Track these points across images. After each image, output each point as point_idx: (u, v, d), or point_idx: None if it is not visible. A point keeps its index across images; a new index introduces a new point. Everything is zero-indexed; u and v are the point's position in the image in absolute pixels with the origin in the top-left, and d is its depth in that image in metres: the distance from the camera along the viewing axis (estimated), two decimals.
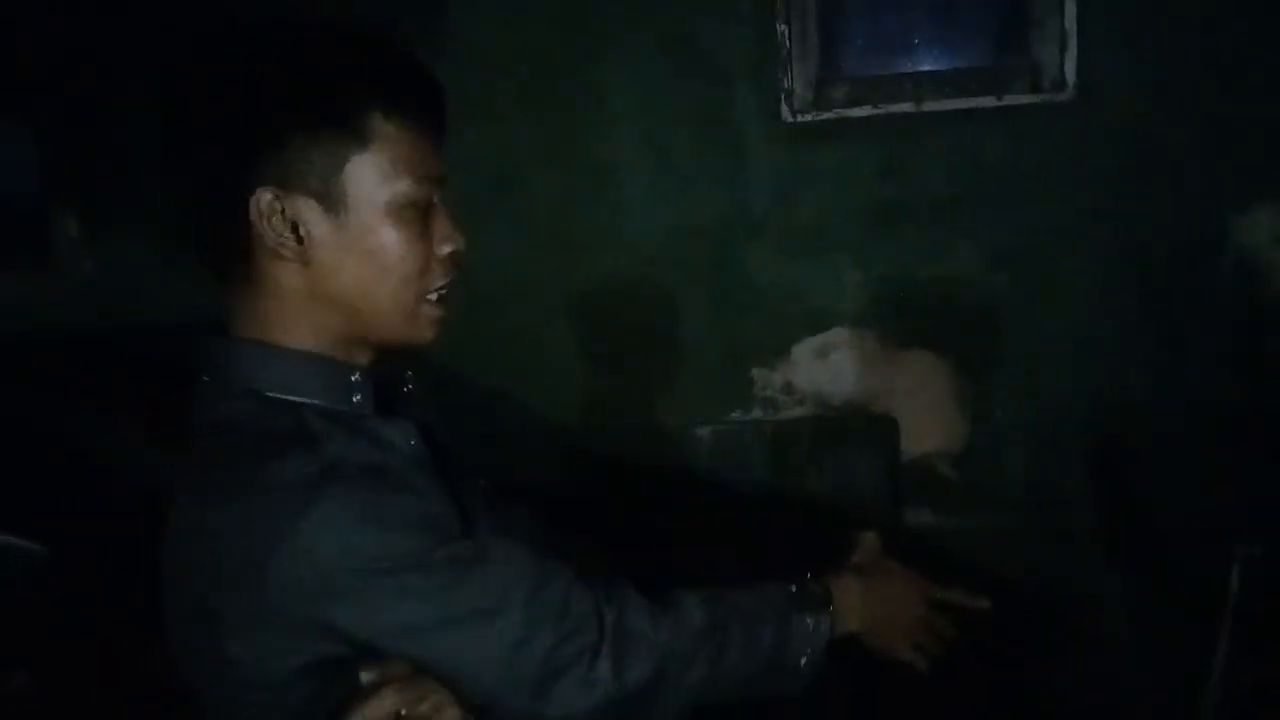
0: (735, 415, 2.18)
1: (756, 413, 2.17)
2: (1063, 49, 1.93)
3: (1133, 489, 2.09)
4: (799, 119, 2.05)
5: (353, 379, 0.92)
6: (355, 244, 0.87)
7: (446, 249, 0.92)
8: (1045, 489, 2.13)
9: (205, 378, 0.91)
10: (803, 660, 1.03)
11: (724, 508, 2.17)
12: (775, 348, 2.15)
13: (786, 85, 2.03)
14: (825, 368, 2.13)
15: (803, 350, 2.13)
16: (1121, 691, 2.15)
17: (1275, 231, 1.94)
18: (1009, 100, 1.98)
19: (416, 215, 0.89)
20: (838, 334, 2.12)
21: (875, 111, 2.03)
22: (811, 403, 2.15)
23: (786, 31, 2.02)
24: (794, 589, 1.06)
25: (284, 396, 0.88)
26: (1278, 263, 1.95)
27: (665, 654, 0.93)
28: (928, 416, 2.12)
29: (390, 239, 0.88)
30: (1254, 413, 2.02)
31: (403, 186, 0.88)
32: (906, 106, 2.02)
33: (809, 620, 1.04)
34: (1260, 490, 2.04)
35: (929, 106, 2.01)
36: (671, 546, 2.12)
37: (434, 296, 0.93)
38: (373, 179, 0.87)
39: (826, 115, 2.05)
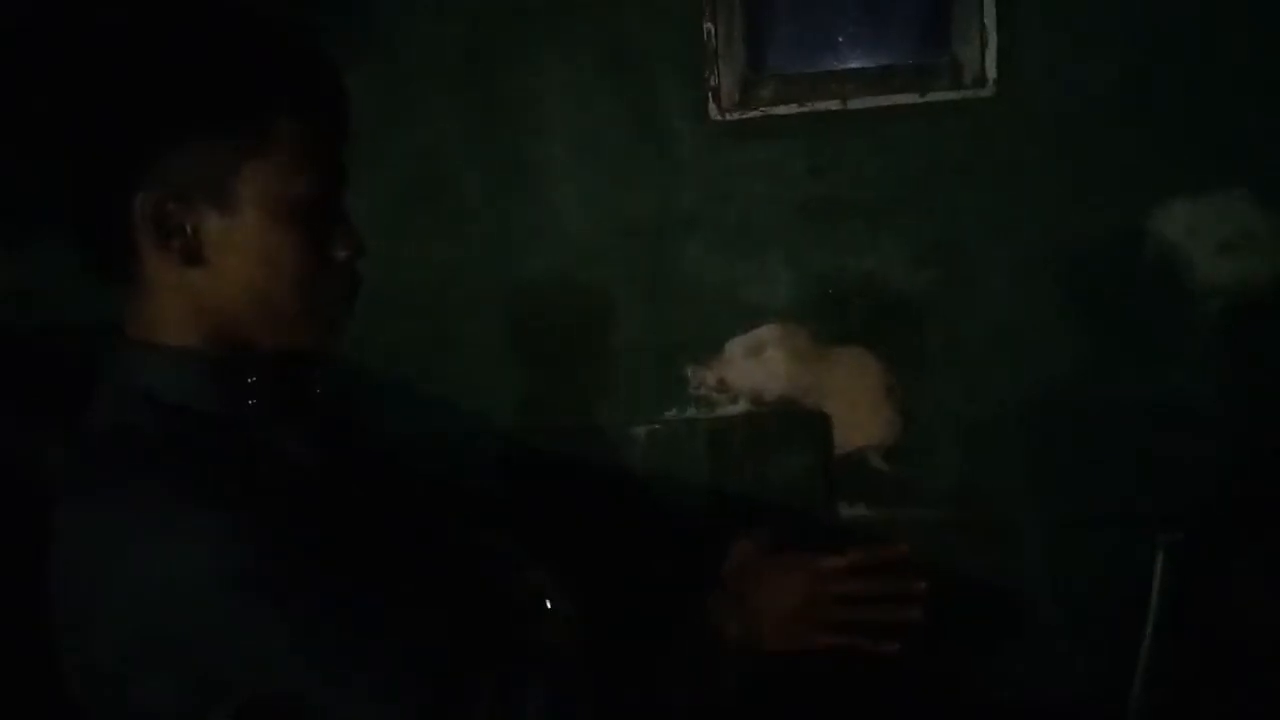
0: (670, 414, 2.18)
1: (691, 411, 2.17)
2: (983, 45, 1.96)
3: (1061, 479, 2.13)
4: (727, 117, 2.06)
5: (249, 382, 0.89)
6: (249, 245, 0.84)
7: (345, 252, 0.90)
8: (977, 481, 2.16)
9: (101, 380, 0.88)
10: (687, 700, 1.01)
11: (660, 507, 2.17)
12: (708, 345, 2.15)
13: (714, 83, 2.04)
14: (758, 364, 2.14)
15: (736, 347, 2.14)
16: (1054, 679, 2.19)
17: (1191, 224, 1.98)
18: (932, 97, 2.00)
19: (314, 217, 0.86)
20: (770, 330, 2.13)
21: (802, 109, 2.04)
22: (745, 399, 2.16)
23: (713, 30, 2.02)
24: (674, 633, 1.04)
25: (174, 401, 0.85)
26: (1195, 255, 1.99)
27: None
28: (860, 411, 2.14)
29: (285, 240, 0.85)
30: (1175, 403, 2.06)
31: (300, 187, 0.85)
32: (833, 104, 2.04)
33: (689, 665, 1.02)
34: (1181, 478, 2.09)
35: (855, 104, 2.03)
36: (607, 547, 2.12)
37: (332, 300, 0.90)
38: (270, 179, 0.83)
39: (754, 113, 2.06)
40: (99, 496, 0.80)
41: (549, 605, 1.12)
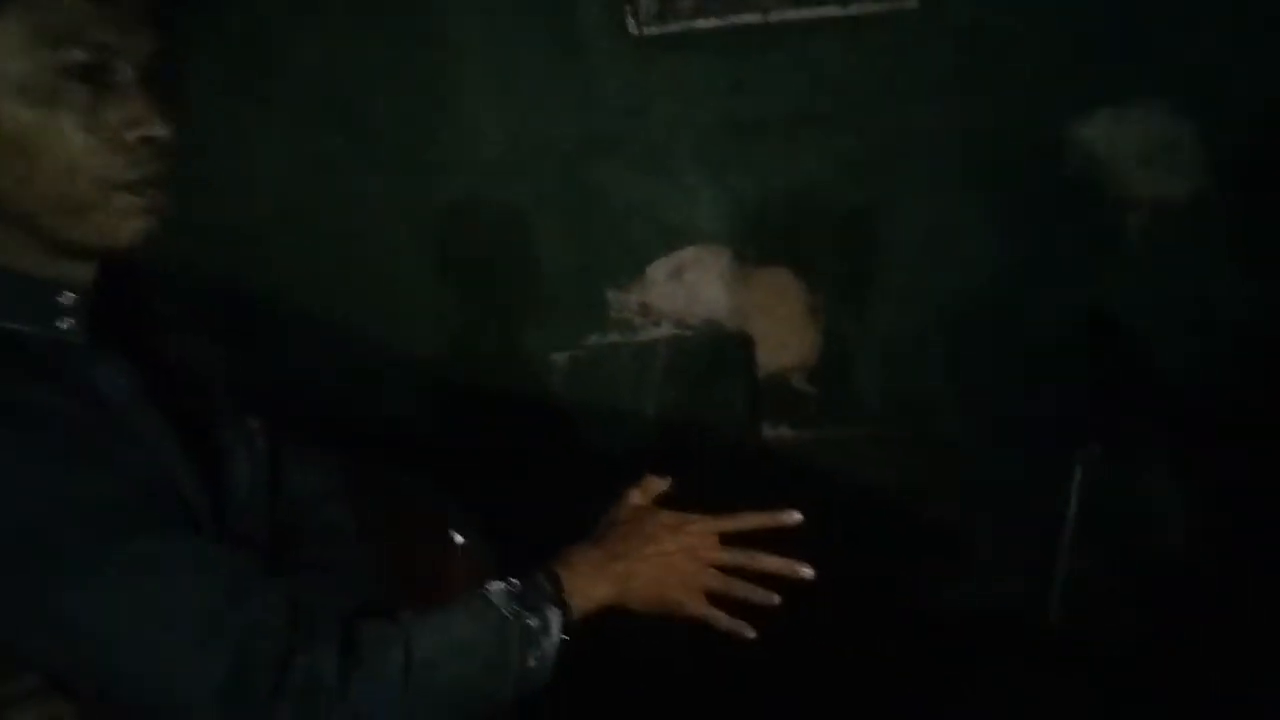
0: (592, 339, 2.14)
1: (613, 335, 2.14)
2: None
3: (984, 393, 2.14)
4: (645, 32, 1.99)
5: (59, 300, 0.81)
6: (5, 136, 0.76)
7: (136, 132, 0.80)
8: (902, 398, 2.16)
9: None
10: (532, 661, 0.95)
11: (583, 433, 2.14)
12: (630, 268, 2.11)
13: None
14: (681, 287, 2.11)
15: (658, 270, 2.10)
16: (976, 590, 2.22)
17: (1112, 136, 1.98)
18: (854, 9, 1.95)
19: (80, 94, 0.78)
20: (692, 252, 2.10)
21: (722, 23, 1.98)
22: (668, 323, 2.13)
23: None
24: (515, 587, 0.97)
25: None
26: (1116, 166, 1.99)
27: (357, 712, 0.83)
28: (784, 332, 2.12)
29: (42, 123, 0.76)
30: (1096, 315, 2.08)
31: (43, 59, 0.76)
32: (753, 18, 1.98)
33: (531, 621, 0.95)
34: (1100, 390, 2.11)
35: (775, 17, 1.97)
36: (530, 476, 2.10)
37: (129, 187, 0.81)
38: (11, 53, 0.75)
39: (673, 27, 1.99)
40: None
41: (345, 539, 1.09)
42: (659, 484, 1.10)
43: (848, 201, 2.05)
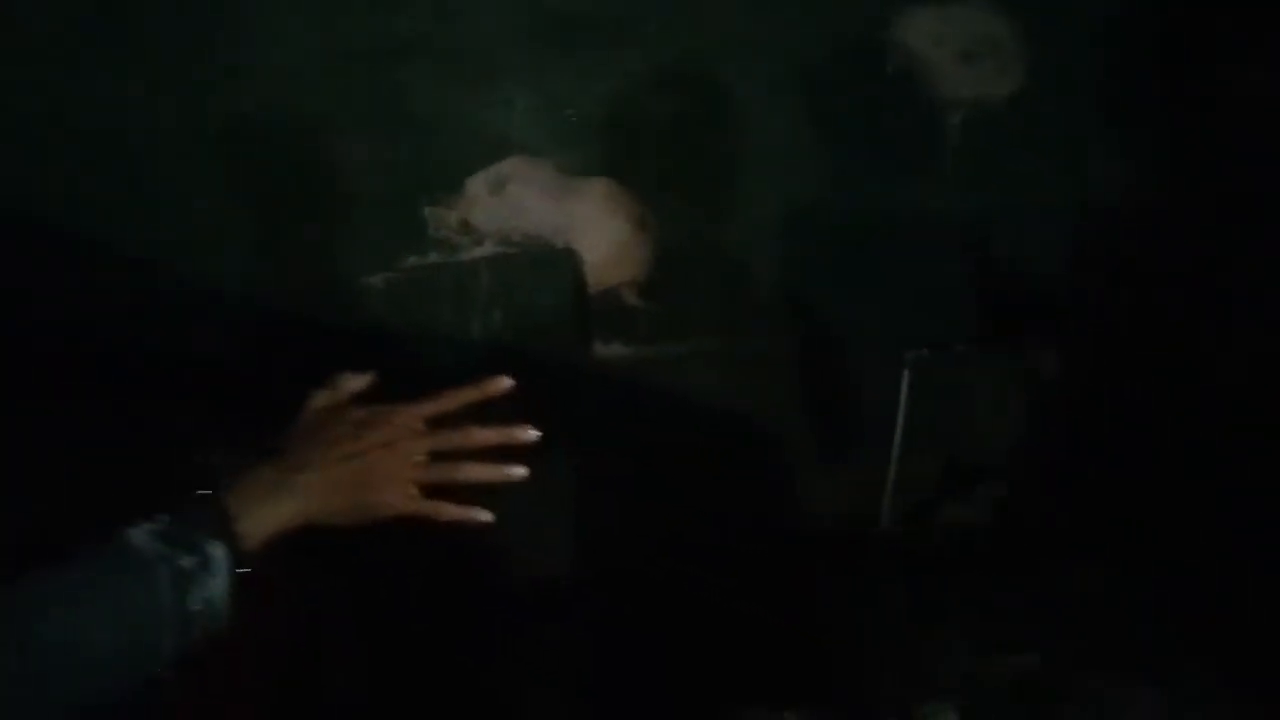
0: (411, 260, 2.01)
1: (433, 256, 2.01)
2: None
3: (815, 302, 2.12)
4: None
5: None
6: None
7: None
8: (734, 311, 2.12)
9: None
10: (196, 605, 0.85)
11: (405, 359, 2.02)
12: (447, 183, 1.98)
13: None
14: (502, 202, 1.99)
15: (477, 184, 1.98)
16: (809, 502, 2.23)
17: (934, 34, 1.95)
18: None
19: None
20: (512, 164, 1.98)
21: None
22: (491, 241, 2.01)
23: None
24: (162, 524, 0.87)
25: None
26: (938, 65, 1.97)
27: None
28: (612, 246, 2.04)
29: None
30: (919, 217, 2.08)
31: None
32: None
33: (185, 561, 0.85)
34: (928, 295, 2.12)
35: None
36: None
37: None
38: None
39: None
40: None
41: None
42: (353, 381, 1.02)
43: (669, 108, 1.97)
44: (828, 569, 2.16)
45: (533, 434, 0.96)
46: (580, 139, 1.97)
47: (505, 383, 0.97)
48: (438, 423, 1.00)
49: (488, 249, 2.01)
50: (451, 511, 0.96)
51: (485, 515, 0.97)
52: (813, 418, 2.20)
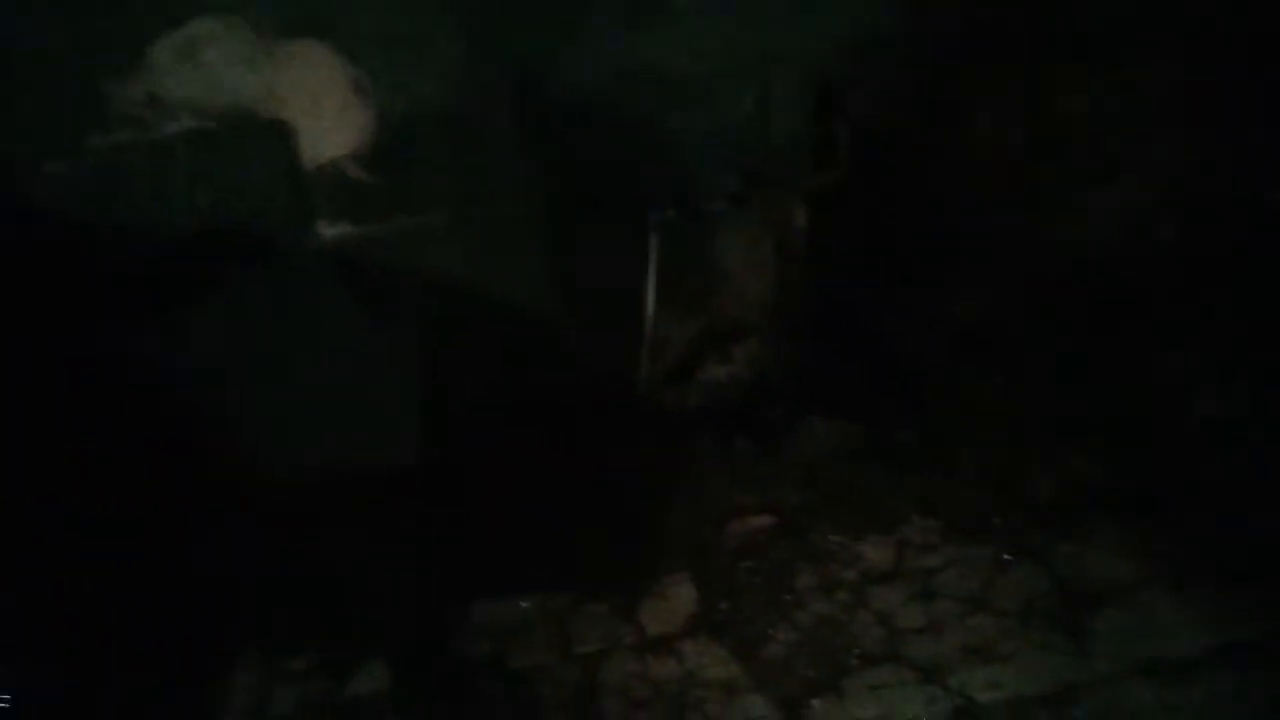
0: (94, 141, 1.77)
1: (120, 135, 1.78)
2: None
3: (553, 169, 2.01)
4: None
5: None
6: None
7: None
8: (469, 178, 1.99)
9: None
10: None
11: (98, 255, 1.81)
12: (126, 50, 1.74)
13: None
14: (195, 70, 1.77)
15: (162, 51, 1.75)
16: (568, 371, 2.17)
17: None
18: None
19: None
20: (203, 26, 1.75)
21: None
22: (188, 115, 1.80)
23: None
24: None
25: None
26: None
27: None
28: (328, 115, 1.86)
29: None
30: (663, 79, 1.98)
31: None
32: None
33: None
34: (672, 154, 2.05)
35: None
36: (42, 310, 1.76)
37: None
38: None
39: None
40: None
41: None
42: None
43: None
44: (587, 437, 2.12)
45: None
46: None
47: None
48: None
49: (184, 125, 1.80)
50: None
51: None
52: (562, 284, 2.11)
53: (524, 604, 1.82)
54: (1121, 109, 1.94)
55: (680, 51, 1.96)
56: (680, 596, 1.86)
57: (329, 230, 1.93)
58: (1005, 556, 1.87)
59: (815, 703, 1.67)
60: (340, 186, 1.90)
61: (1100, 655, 1.69)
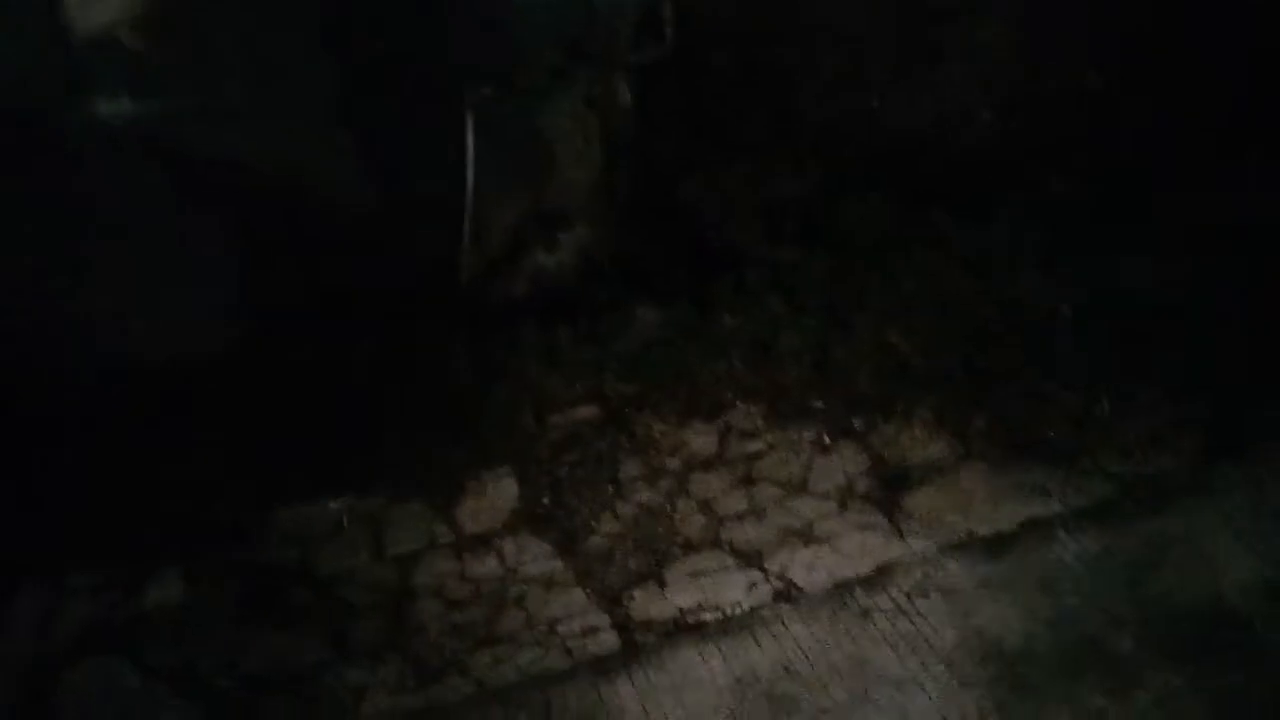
0: None
1: None
2: None
3: (346, 44, 1.86)
4: None
5: None
6: None
7: None
8: (268, 51, 1.82)
9: None
10: None
11: None
12: None
13: None
14: None
15: None
16: (377, 272, 2.05)
17: None
18: None
19: None
20: None
21: None
22: None
23: None
24: None
25: None
26: None
27: None
28: None
29: None
30: None
31: None
32: None
33: None
34: (488, 24, 1.93)
35: None
36: None
37: None
38: None
39: None
40: None
41: None
42: None
43: None
44: (405, 329, 2.01)
45: None
46: None
47: None
48: None
49: None
50: None
51: None
52: (378, 169, 1.98)
53: (334, 505, 1.74)
54: None
55: None
56: (501, 492, 1.81)
57: (105, 107, 1.74)
58: (826, 440, 1.87)
59: (637, 593, 1.65)
60: (113, 58, 1.71)
61: (917, 534, 1.72)
